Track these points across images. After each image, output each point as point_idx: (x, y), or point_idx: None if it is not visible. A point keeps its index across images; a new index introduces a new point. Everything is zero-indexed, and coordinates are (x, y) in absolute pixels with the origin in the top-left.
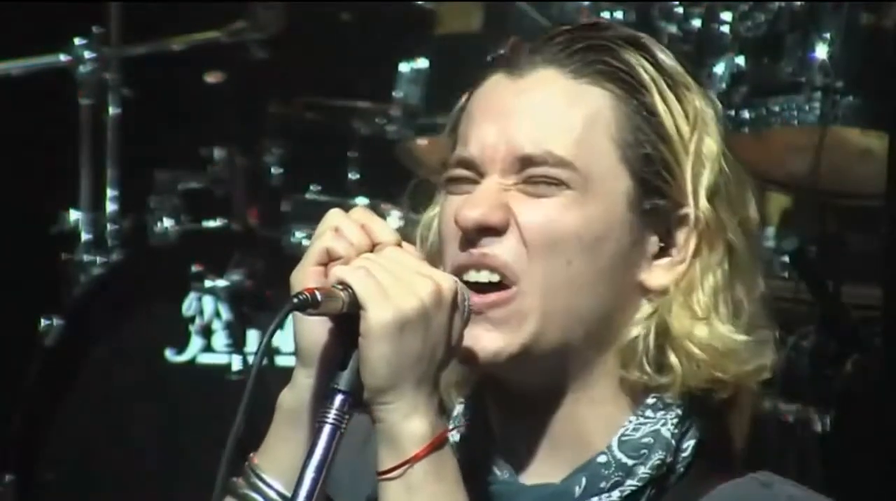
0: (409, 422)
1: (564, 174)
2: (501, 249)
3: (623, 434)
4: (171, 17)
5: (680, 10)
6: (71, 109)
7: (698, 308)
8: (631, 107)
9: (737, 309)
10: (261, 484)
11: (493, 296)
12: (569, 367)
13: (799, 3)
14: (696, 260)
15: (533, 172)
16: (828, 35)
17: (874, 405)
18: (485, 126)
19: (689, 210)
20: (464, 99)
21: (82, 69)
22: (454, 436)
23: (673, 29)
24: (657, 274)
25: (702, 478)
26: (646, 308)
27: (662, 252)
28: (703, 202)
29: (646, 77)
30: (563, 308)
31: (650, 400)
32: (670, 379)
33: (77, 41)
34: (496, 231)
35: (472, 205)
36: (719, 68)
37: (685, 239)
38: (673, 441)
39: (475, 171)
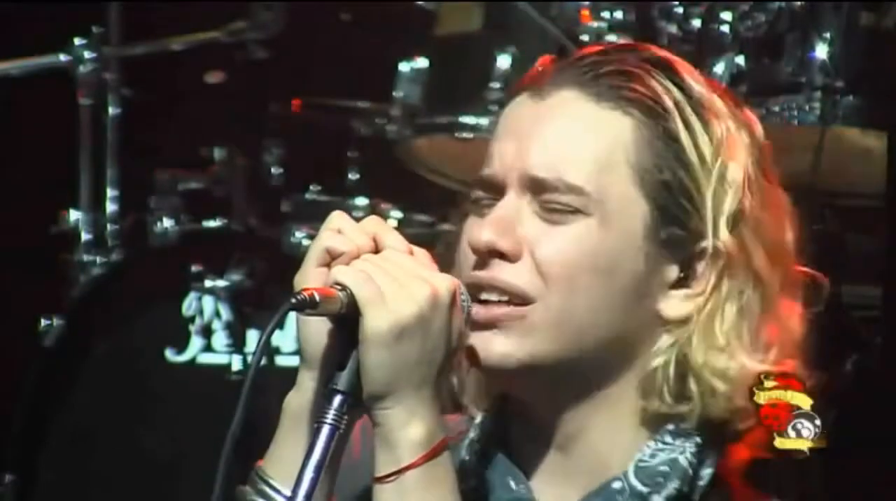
0: (406, 429)
1: (578, 201)
2: (513, 275)
3: (640, 460)
4: (171, 17)
5: (680, 10)
6: (71, 109)
7: (719, 338)
8: (652, 132)
9: (761, 338)
10: (269, 490)
11: (500, 311)
12: (587, 392)
13: (799, 3)
14: (716, 291)
15: (547, 198)
16: (828, 35)
17: (874, 405)
18: (504, 146)
19: (709, 240)
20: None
21: (82, 69)
22: (464, 450)
23: (673, 29)
24: (675, 304)
25: None
26: (665, 338)
27: (682, 281)
28: (724, 232)
29: (669, 102)
30: (574, 328)
31: (670, 427)
32: (689, 408)
33: (77, 41)
34: (507, 257)
35: (485, 229)
36: (719, 68)
37: (705, 269)
38: (690, 471)
39: (494, 191)
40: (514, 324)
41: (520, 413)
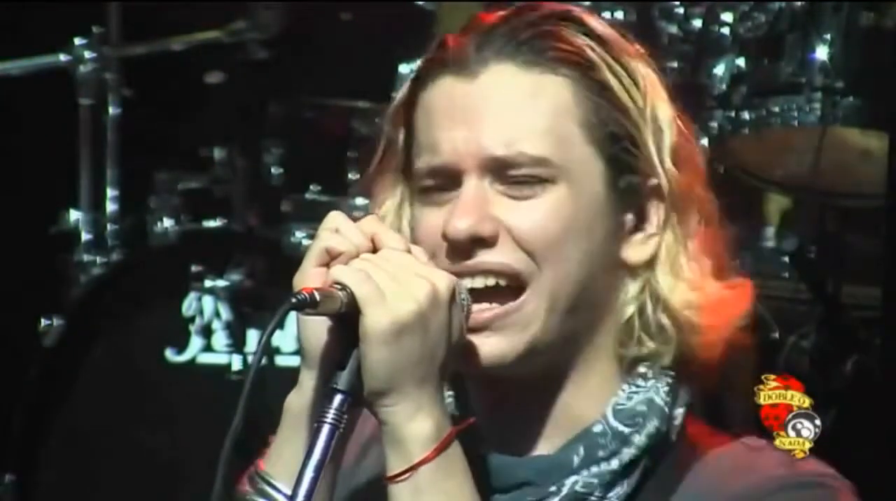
0: (413, 424)
1: (543, 171)
2: (499, 256)
3: (617, 403)
4: (171, 17)
5: (680, 10)
6: (71, 109)
7: (682, 270)
8: (586, 87)
9: (718, 260)
10: (269, 490)
11: (492, 313)
12: (568, 356)
13: (799, 3)
14: (670, 226)
15: (511, 174)
16: (828, 35)
17: (874, 405)
18: (452, 132)
19: (658, 179)
20: (404, 92)
21: (82, 69)
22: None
23: (673, 29)
24: (637, 249)
25: (693, 445)
26: (633, 284)
27: (637, 226)
28: (670, 168)
29: (593, 55)
30: (566, 303)
31: (642, 369)
32: (667, 346)
33: (77, 41)
34: (487, 241)
35: (459, 217)
36: (719, 69)
37: (657, 208)
38: (666, 409)
39: (450, 178)
40: (509, 320)
41: (487, 383)
